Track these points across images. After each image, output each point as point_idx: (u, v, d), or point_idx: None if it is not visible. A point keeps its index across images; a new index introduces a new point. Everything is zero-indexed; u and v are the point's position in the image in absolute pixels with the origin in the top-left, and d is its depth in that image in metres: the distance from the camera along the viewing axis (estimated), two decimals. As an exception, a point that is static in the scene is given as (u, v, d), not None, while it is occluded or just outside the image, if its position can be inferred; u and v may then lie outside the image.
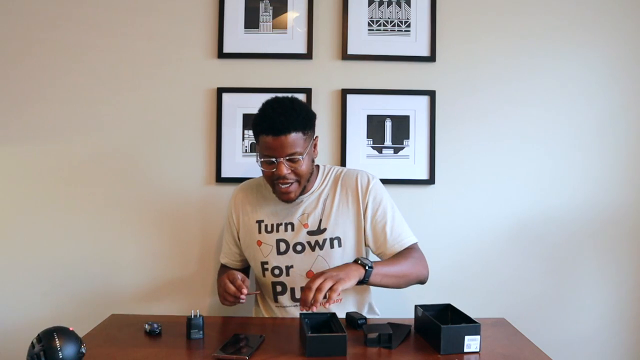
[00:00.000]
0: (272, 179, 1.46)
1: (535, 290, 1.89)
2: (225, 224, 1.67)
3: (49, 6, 1.85)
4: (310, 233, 1.52)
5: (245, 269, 1.69)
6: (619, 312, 1.91)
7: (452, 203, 1.88)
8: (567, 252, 1.90)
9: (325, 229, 1.52)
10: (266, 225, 1.55)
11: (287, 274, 1.52)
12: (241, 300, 1.34)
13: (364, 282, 1.32)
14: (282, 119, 1.39)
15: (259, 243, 1.55)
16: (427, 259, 1.54)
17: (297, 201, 1.53)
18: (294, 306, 1.53)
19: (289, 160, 1.42)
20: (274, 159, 1.41)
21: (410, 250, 1.51)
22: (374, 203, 1.53)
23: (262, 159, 1.43)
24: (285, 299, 1.54)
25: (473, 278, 1.88)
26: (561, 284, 1.90)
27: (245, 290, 1.33)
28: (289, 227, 1.53)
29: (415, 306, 1.34)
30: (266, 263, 1.54)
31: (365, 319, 1.37)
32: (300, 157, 1.42)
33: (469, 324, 1.21)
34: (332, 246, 1.51)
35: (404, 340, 1.27)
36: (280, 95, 1.50)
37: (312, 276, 1.30)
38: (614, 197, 1.89)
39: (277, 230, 1.53)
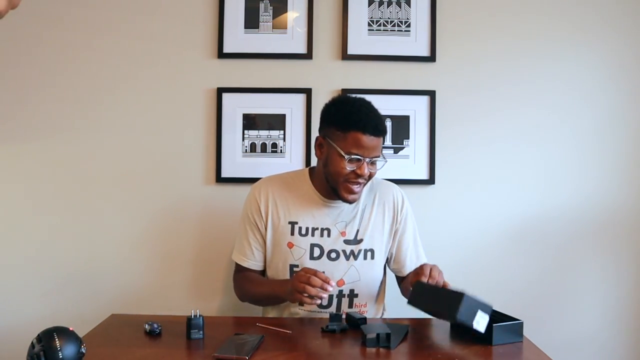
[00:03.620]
0: (345, 177, 1.40)
1: (535, 290, 1.89)
2: (243, 224, 1.56)
3: (49, 6, 1.85)
4: (346, 242, 1.50)
5: (262, 272, 1.62)
6: (619, 312, 1.91)
7: (452, 203, 1.88)
8: (567, 252, 1.90)
9: (362, 240, 1.51)
10: (300, 228, 1.50)
11: None
12: (323, 295, 1.27)
13: None
14: (381, 121, 1.39)
15: (290, 245, 1.50)
16: (427, 258, 1.57)
17: (335, 207, 1.51)
18: (318, 311, 1.50)
19: (371, 162, 1.41)
20: (361, 158, 1.39)
21: None
22: (404, 224, 1.56)
23: (347, 156, 1.38)
24: None
25: (473, 278, 1.87)
26: (561, 284, 1.90)
27: (333, 283, 1.28)
28: (325, 232, 1.50)
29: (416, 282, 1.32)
30: (296, 266, 1.49)
31: (364, 318, 1.37)
32: (378, 160, 1.43)
33: (484, 302, 1.20)
34: (365, 257, 1.51)
35: (402, 340, 1.27)
36: (352, 95, 1.51)
37: (423, 268, 1.32)
38: (614, 197, 1.89)
39: (313, 235, 1.50)
